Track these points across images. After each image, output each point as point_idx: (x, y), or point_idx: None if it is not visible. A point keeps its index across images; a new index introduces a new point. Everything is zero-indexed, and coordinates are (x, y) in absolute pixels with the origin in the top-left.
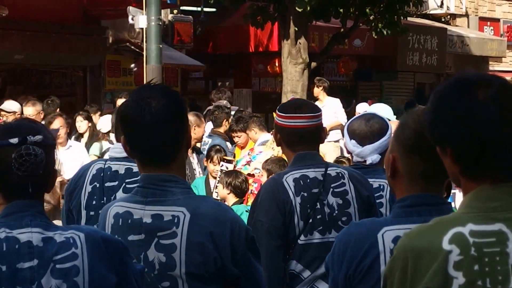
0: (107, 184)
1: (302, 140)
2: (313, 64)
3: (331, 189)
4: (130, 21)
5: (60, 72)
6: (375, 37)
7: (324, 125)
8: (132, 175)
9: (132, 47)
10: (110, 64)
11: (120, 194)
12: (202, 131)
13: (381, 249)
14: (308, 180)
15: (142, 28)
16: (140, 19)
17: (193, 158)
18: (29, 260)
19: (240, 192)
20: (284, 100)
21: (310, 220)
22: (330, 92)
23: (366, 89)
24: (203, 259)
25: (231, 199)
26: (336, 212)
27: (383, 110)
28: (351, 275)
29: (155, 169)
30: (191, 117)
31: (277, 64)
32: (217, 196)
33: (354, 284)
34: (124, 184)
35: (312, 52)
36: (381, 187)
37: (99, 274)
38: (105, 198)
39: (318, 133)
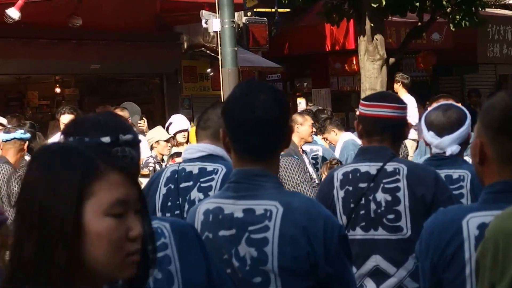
0: (182, 185)
1: (383, 131)
2: (391, 60)
3: (382, 185)
4: (204, 25)
5: (137, 80)
6: (453, 29)
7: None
8: (206, 174)
9: (208, 51)
10: (186, 70)
11: (195, 193)
12: (307, 129)
13: (466, 237)
14: (358, 174)
15: (216, 32)
16: (213, 23)
17: (306, 158)
18: None
19: None
20: None
21: (353, 215)
22: (410, 88)
23: (447, 83)
24: (296, 253)
25: None
26: (383, 209)
27: None
28: (436, 264)
29: (252, 163)
30: (295, 116)
31: (354, 62)
32: None
33: (439, 272)
34: (198, 183)
35: (390, 48)
36: (461, 177)
37: (190, 262)
38: (180, 199)
39: (401, 127)
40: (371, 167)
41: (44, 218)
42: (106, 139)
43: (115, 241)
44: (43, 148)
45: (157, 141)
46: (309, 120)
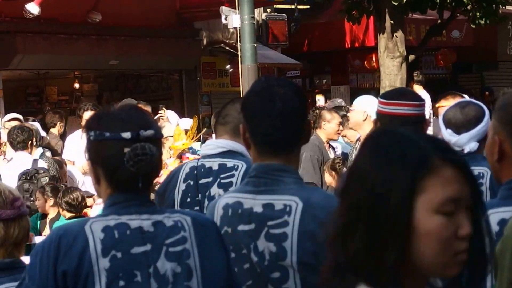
0: (202, 181)
1: None
2: (411, 57)
3: None
4: (223, 21)
5: (156, 76)
6: (473, 27)
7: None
8: (226, 170)
9: (227, 47)
10: (205, 66)
11: (215, 189)
12: (333, 127)
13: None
14: None
15: (235, 28)
16: (233, 19)
17: (332, 155)
18: (142, 244)
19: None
20: None
21: None
22: (429, 85)
23: (466, 81)
24: (315, 248)
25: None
26: None
27: (367, 103)
28: None
29: (272, 158)
30: (324, 112)
31: (374, 59)
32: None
33: None
34: (218, 179)
35: (410, 45)
36: (481, 174)
37: (209, 256)
38: (199, 195)
39: (420, 124)
40: None
41: (375, 211)
42: (126, 135)
43: (444, 240)
44: (377, 134)
45: (166, 137)
46: (337, 118)
